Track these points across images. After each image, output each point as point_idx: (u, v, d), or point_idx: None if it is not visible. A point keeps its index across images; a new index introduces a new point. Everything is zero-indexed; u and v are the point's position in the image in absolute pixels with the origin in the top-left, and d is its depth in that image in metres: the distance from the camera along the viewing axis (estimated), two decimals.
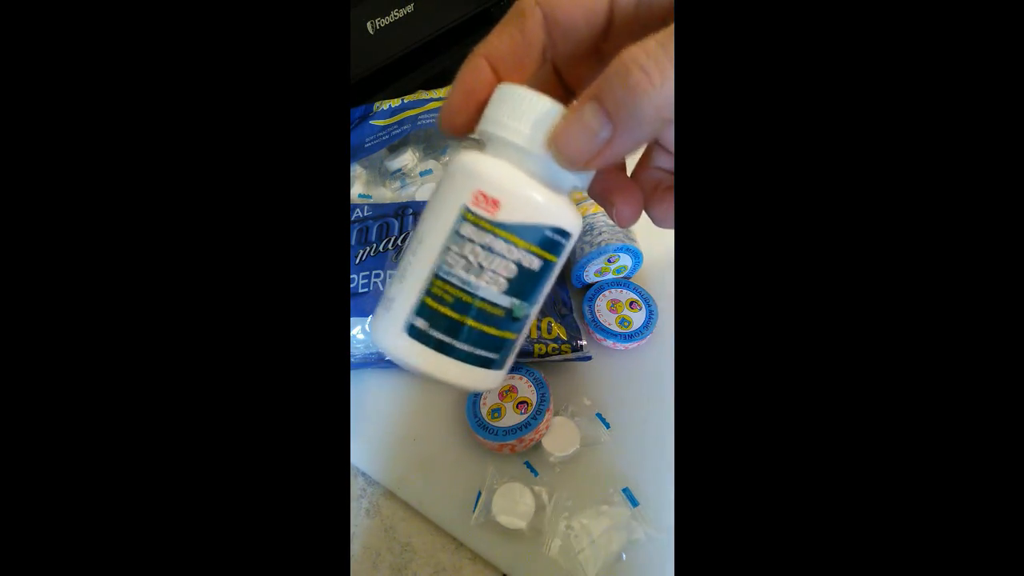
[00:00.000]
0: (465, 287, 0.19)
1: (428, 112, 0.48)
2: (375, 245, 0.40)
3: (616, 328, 0.41)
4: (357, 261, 0.40)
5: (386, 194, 0.48)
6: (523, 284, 0.20)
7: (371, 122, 0.49)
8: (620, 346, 0.41)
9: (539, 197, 0.19)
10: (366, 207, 0.43)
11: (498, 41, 0.20)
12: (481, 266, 0.19)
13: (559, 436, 0.36)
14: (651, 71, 0.16)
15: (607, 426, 0.37)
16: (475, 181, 0.19)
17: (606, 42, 0.20)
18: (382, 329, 0.21)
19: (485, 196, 0.19)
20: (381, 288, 0.38)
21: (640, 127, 0.17)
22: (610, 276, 0.44)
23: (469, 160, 0.20)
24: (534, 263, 0.20)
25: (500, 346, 0.21)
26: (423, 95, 0.51)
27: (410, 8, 0.54)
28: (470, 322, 0.20)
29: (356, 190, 0.48)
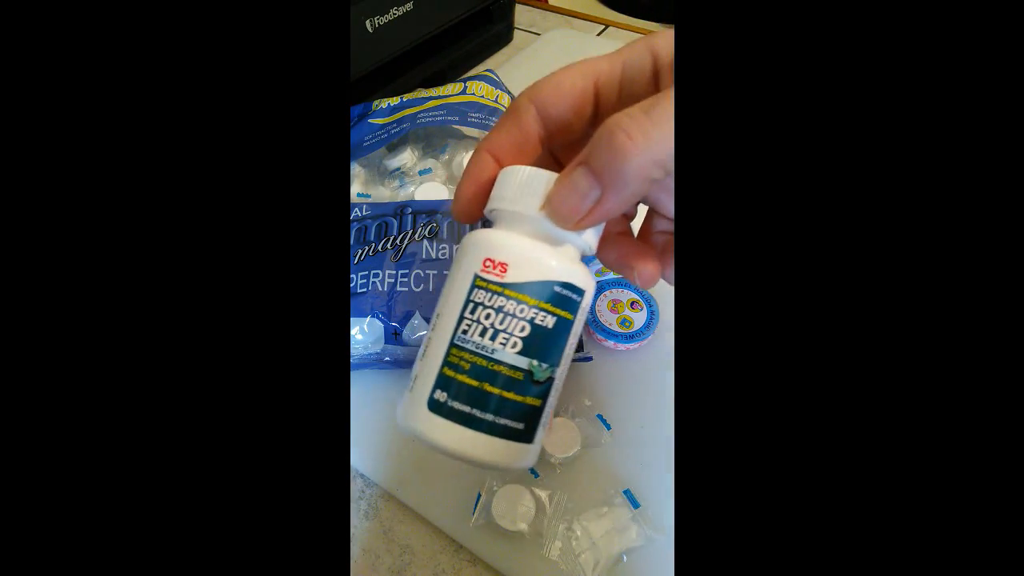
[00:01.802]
0: (481, 351, 0.20)
1: (427, 110, 0.47)
2: (373, 244, 0.40)
3: (617, 328, 0.40)
4: (355, 261, 0.39)
5: (385, 193, 0.48)
6: (539, 343, 0.20)
7: (370, 120, 0.48)
8: (621, 346, 0.40)
9: (544, 255, 0.20)
10: (365, 206, 0.43)
11: (499, 136, 0.22)
12: (495, 328, 0.20)
13: (560, 437, 0.36)
14: (634, 134, 0.17)
15: (608, 427, 0.37)
16: (483, 250, 0.20)
17: (594, 126, 0.22)
18: (406, 409, 0.21)
19: (493, 261, 0.20)
20: (380, 288, 0.38)
21: (626, 186, 0.18)
22: (611, 275, 0.44)
23: (478, 235, 0.21)
24: (547, 320, 0.20)
25: (525, 414, 0.20)
26: (422, 93, 0.50)
27: (409, 6, 0.53)
28: (489, 388, 0.20)
29: (354, 189, 0.48)
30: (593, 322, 0.41)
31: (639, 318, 0.41)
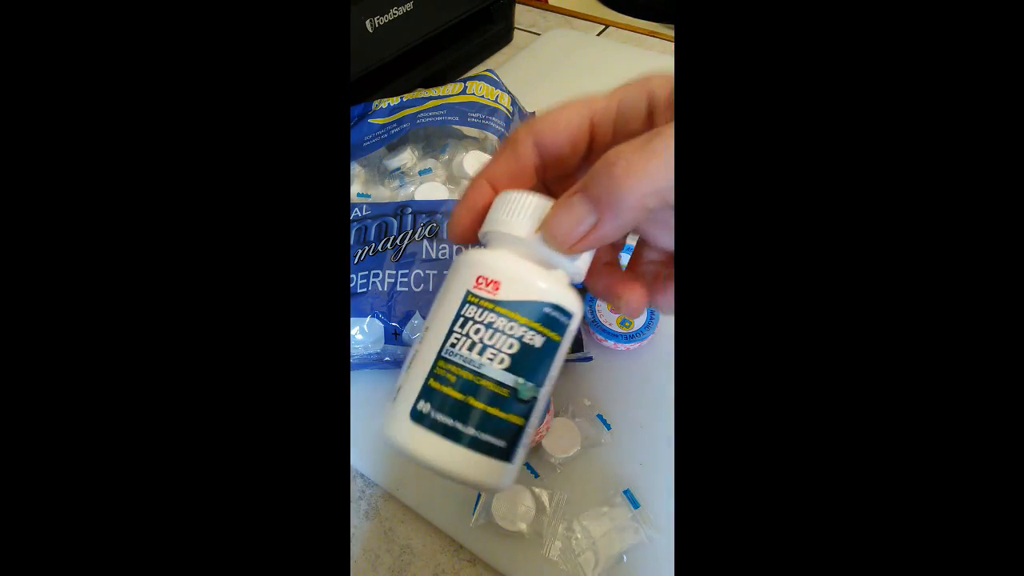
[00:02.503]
0: (469, 365, 0.20)
1: (427, 111, 0.47)
2: (373, 244, 0.40)
3: (617, 328, 0.41)
4: (355, 261, 0.39)
5: (385, 193, 0.48)
6: (526, 362, 0.20)
7: (370, 121, 0.48)
8: (621, 347, 0.40)
9: (536, 277, 0.21)
10: (364, 206, 0.43)
11: (496, 165, 0.23)
12: (484, 343, 0.20)
13: (560, 437, 0.36)
14: (632, 164, 0.18)
15: (608, 427, 0.37)
16: (476, 268, 0.21)
17: (588, 160, 0.23)
18: (387, 419, 0.21)
19: (486, 279, 0.20)
20: (380, 288, 0.38)
21: (622, 213, 0.19)
22: None
23: (471, 254, 0.21)
24: (536, 340, 0.20)
25: (507, 432, 0.20)
26: (422, 93, 0.50)
27: (409, 6, 0.53)
28: (474, 402, 0.20)
29: (354, 189, 0.48)
30: (593, 322, 0.41)
31: (639, 318, 0.41)
